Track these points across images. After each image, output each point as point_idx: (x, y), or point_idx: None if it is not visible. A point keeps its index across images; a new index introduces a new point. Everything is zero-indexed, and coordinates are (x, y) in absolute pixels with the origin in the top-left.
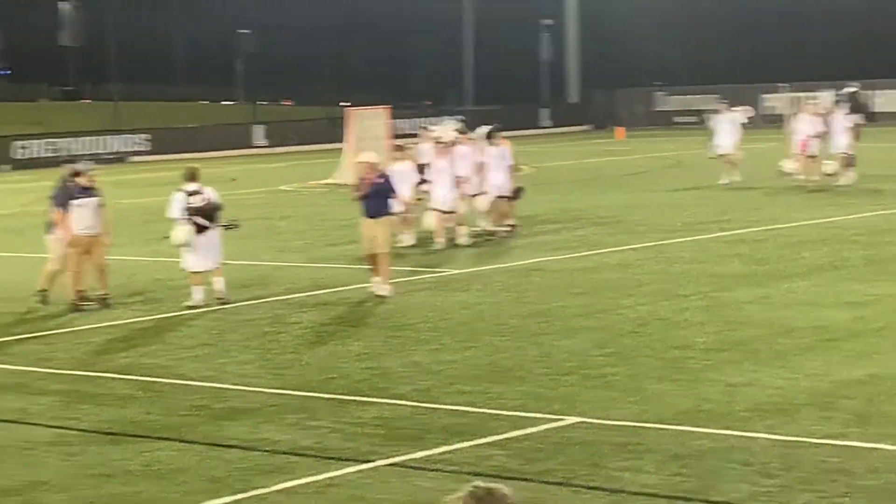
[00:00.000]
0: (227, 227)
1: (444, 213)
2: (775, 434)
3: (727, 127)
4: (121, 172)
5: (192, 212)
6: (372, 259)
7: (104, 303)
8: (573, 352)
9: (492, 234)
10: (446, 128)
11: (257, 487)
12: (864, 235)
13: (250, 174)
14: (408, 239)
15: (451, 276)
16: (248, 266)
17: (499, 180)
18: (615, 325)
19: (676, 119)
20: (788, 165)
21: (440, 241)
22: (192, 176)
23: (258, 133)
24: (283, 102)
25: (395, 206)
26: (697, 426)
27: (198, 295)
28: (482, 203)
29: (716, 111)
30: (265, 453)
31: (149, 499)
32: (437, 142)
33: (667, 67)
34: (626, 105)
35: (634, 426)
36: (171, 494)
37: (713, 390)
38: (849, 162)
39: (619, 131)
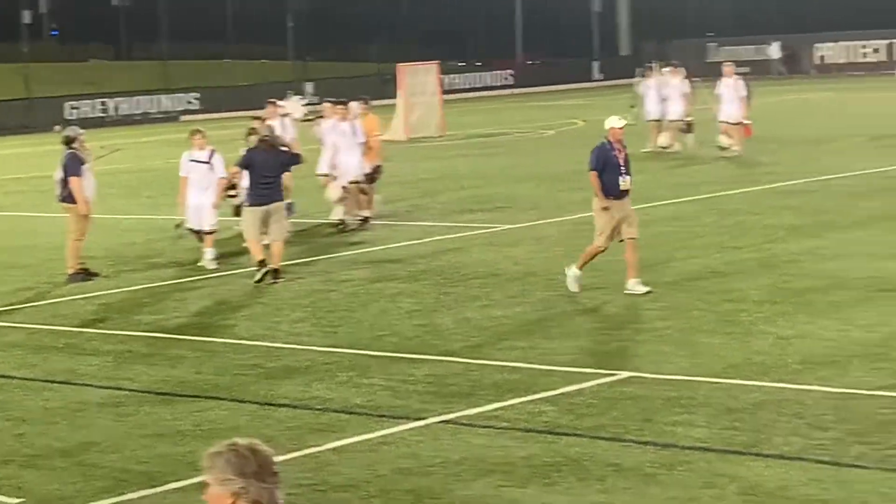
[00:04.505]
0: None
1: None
2: (828, 386)
3: (653, 93)
4: (172, 131)
5: None
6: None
7: (89, 273)
8: (625, 306)
9: (343, 224)
10: (294, 103)
11: (309, 446)
12: None
13: (302, 131)
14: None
15: (502, 231)
16: (297, 223)
17: (349, 162)
18: (667, 279)
19: None
20: (725, 140)
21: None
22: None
23: (308, 90)
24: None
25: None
26: (750, 379)
27: None
28: (333, 190)
29: (643, 75)
30: (317, 412)
31: (200, 459)
32: (315, 116)
33: (718, 18)
34: (678, 57)
35: (686, 380)
36: None
37: (765, 343)
38: (685, 129)
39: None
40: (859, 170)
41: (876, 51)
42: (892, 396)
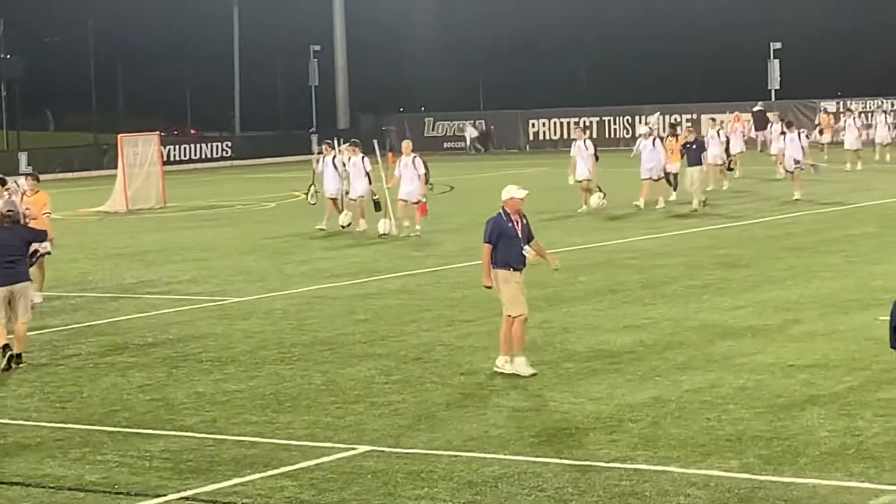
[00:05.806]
0: None
1: None
2: (565, 459)
3: (331, 170)
4: None
5: None
6: None
7: None
8: (359, 379)
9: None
10: None
11: None
12: (638, 259)
13: None
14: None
15: (231, 304)
16: None
17: None
18: (399, 352)
19: (447, 145)
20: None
21: None
22: None
23: (22, 160)
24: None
25: None
26: (488, 452)
27: None
28: None
29: (321, 153)
30: (50, 490)
31: None
32: None
33: (435, 93)
34: (396, 131)
35: (426, 454)
36: None
37: (501, 416)
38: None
39: (390, 157)
40: (578, 244)
41: (588, 127)
42: (628, 468)
